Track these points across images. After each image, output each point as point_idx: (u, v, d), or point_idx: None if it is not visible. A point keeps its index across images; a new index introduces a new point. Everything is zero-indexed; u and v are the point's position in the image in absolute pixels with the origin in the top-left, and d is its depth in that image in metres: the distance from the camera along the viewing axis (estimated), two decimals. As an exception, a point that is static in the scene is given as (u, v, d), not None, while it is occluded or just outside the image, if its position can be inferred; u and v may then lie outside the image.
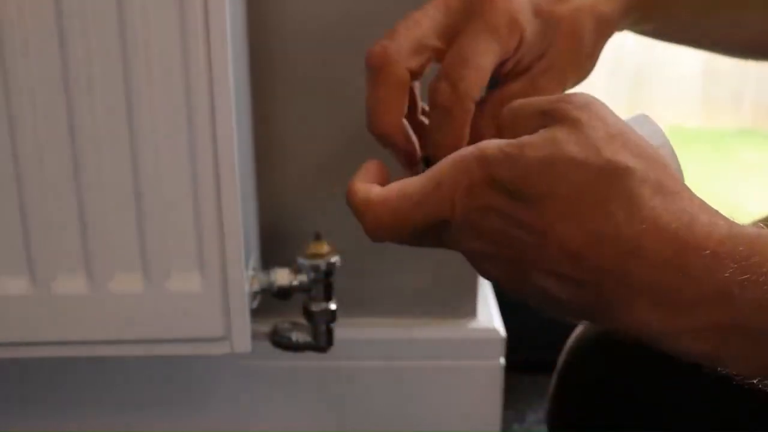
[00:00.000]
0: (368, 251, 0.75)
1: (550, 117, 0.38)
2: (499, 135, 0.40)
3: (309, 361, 0.74)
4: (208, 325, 0.61)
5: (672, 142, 0.44)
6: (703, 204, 0.37)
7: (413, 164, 0.49)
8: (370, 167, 0.44)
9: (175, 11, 0.54)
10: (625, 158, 0.36)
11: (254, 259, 0.66)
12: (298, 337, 0.68)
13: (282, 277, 0.65)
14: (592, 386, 0.63)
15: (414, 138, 0.50)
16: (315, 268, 0.64)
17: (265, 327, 0.68)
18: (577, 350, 0.64)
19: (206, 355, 0.63)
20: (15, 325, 0.61)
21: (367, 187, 0.42)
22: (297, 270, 0.65)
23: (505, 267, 0.39)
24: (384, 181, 0.43)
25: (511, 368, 0.80)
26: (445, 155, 0.41)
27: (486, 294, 0.84)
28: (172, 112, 0.56)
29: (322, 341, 0.67)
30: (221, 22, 0.54)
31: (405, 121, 0.49)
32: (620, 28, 0.54)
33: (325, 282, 0.65)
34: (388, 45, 0.47)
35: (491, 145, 0.38)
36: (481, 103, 0.49)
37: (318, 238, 0.66)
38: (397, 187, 0.41)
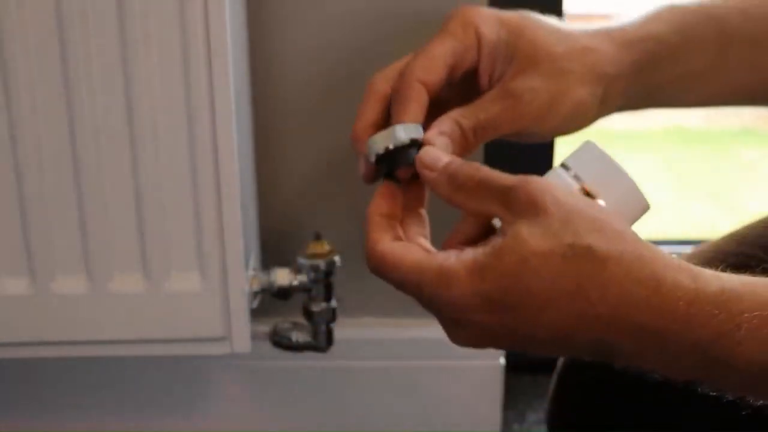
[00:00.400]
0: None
1: (509, 205, 0.43)
2: (465, 200, 0.45)
3: (309, 361, 0.74)
4: (208, 325, 0.61)
5: (621, 166, 0.47)
6: (663, 259, 0.41)
7: (372, 178, 0.51)
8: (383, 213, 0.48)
9: (175, 13, 0.54)
10: (585, 238, 0.41)
11: (254, 259, 0.66)
12: (298, 337, 0.68)
13: (282, 277, 0.65)
14: (592, 386, 0.63)
15: None
16: (315, 268, 0.64)
17: (265, 327, 0.68)
18: (577, 350, 0.64)
19: (206, 355, 0.63)
20: (15, 325, 0.61)
21: (382, 237, 0.47)
22: (297, 270, 0.65)
23: (500, 347, 0.46)
24: (396, 208, 0.48)
25: (511, 368, 0.80)
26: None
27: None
28: (172, 113, 0.56)
29: (322, 341, 0.67)
30: (221, 23, 0.54)
31: None
32: (621, 76, 0.54)
33: (325, 282, 0.65)
34: (376, 74, 0.52)
35: (468, 258, 0.42)
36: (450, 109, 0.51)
37: (318, 238, 0.66)
38: (399, 257, 0.45)
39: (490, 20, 0.51)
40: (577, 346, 0.42)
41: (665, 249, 1.06)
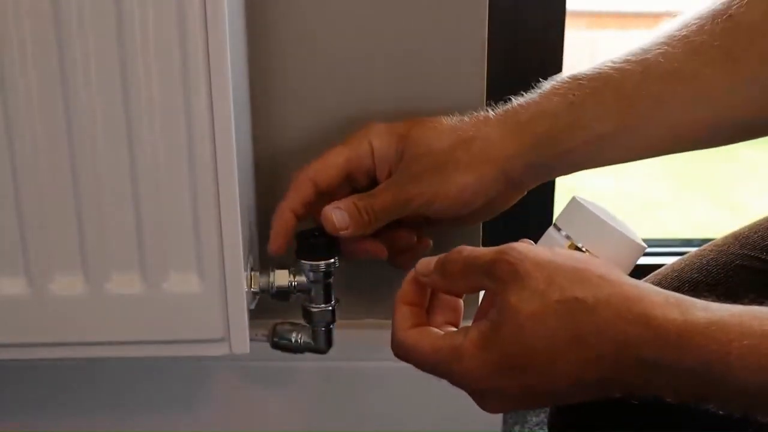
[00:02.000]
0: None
1: (495, 277, 0.47)
2: (458, 285, 0.51)
3: (308, 362, 0.74)
4: (206, 327, 0.61)
5: (607, 214, 0.52)
6: (650, 296, 0.44)
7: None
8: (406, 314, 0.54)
9: (174, 10, 0.54)
10: (570, 292, 0.45)
11: (253, 260, 0.66)
12: (297, 338, 0.67)
13: (281, 278, 0.65)
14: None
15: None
16: (314, 269, 0.64)
17: (264, 328, 0.68)
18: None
19: (205, 356, 0.62)
20: (11, 326, 0.60)
21: (403, 325, 0.54)
22: (296, 271, 0.65)
23: (528, 407, 0.55)
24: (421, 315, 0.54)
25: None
26: (276, 213, 0.62)
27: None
28: (170, 111, 0.56)
29: (321, 342, 0.67)
30: (220, 21, 0.54)
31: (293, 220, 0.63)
32: (523, 164, 0.59)
33: (324, 283, 0.65)
34: (305, 167, 0.63)
35: (473, 334, 0.47)
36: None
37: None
38: (414, 342, 0.52)
39: (381, 132, 0.61)
40: (593, 388, 0.46)
41: (665, 249, 1.06)
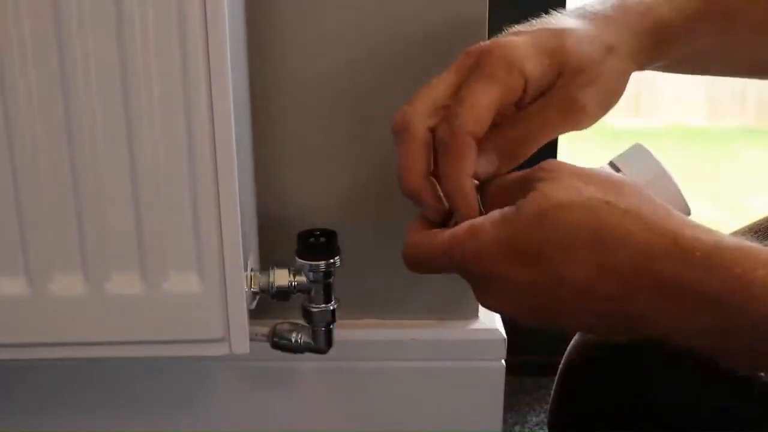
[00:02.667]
0: (368, 252, 0.75)
1: (531, 179, 0.45)
2: (491, 206, 0.47)
3: (308, 362, 0.74)
4: (206, 327, 0.61)
5: (669, 168, 0.50)
6: (681, 217, 0.42)
7: (445, 219, 0.52)
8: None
9: (174, 10, 0.54)
10: (604, 195, 0.43)
11: (253, 260, 0.66)
12: (297, 338, 0.67)
13: (281, 277, 0.65)
14: (594, 388, 0.63)
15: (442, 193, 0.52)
16: (314, 269, 0.64)
17: (264, 328, 0.68)
18: (579, 352, 0.64)
19: (205, 356, 0.62)
20: (11, 326, 0.60)
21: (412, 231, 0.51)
22: (296, 271, 0.65)
23: (526, 315, 0.46)
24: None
25: (512, 370, 0.80)
26: (450, 188, 0.50)
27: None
28: (170, 111, 0.56)
29: (321, 342, 0.67)
30: (220, 21, 0.54)
31: (432, 179, 0.52)
32: (639, 62, 0.55)
33: (324, 283, 0.64)
34: (407, 109, 0.52)
35: (495, 214, 0.45)
36: (508, 120, 0.53)
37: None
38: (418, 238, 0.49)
39: (531, 56, 0.51)
40: (596, 307, 0.43)
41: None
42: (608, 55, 0.53)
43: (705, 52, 0.58)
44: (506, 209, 0.45)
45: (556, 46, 0.52)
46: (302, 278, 0.64)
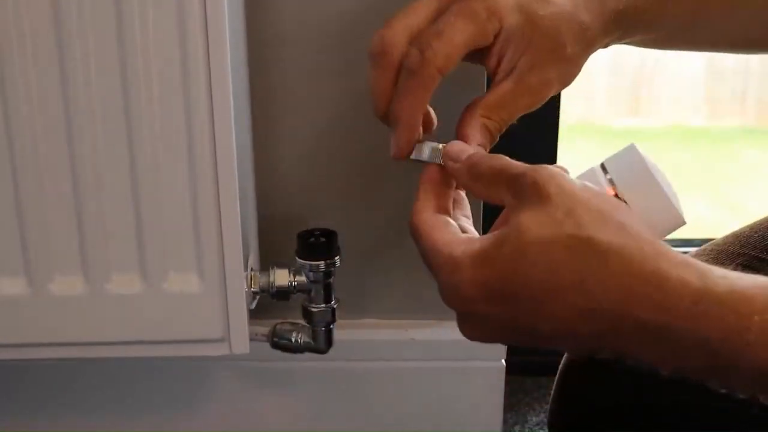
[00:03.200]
0: (368, 252, 0.75)
1: (516, 191, 0.44)
2: (481, 189, 0.47)
3: (308, 362, 0.74)
4: (206, 327, 0.61)
5: (660, 171, 0.48)
6: (668, 255, 0.40)
7: (404, 157, 0.53)
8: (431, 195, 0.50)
9: (174, 10, 0.54)
10: (586, 229, 0.41)
11: (253, 260, 0.66)
12: (297, 338, 0.67)
13: (281, 277, 0.65)
14: (594, 388, 0.62)
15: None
16: (314, 269, 0.64)
17: (264, 328, 0.68)
18: (579, 352, 0.64)
19: (205, 356, 0.62)
20: (12, 326, 0.60)
21: (426, 206, 0.49)
22: (296, 271, 0.65)
23: (506, 342, 0.50)
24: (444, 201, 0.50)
25: (512, 370, 0.80)
26: (403, 119, 0.51)
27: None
28: (170, 111, 0.56)
29: (321, 342, 0.67)
30: (220, 21, 0.54)
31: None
32: (604, 43, 0.56)
33: (324, 283, 0.64)
34: (385, 33, 0.52)
35: (475, 247, 0.43)
36: (472, 105, 0.54)
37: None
38: (428, 233, 0.47)
39: (513, 10, 0.52)
40: (580, 341, 0.42)
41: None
42: (579, 38, 0.53)
43: (675, 30, 0.58)
44: (486, 241, 0.43)
45: (533, 10, 0.52)
46: (302, 278, 0.64)
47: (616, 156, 0.49)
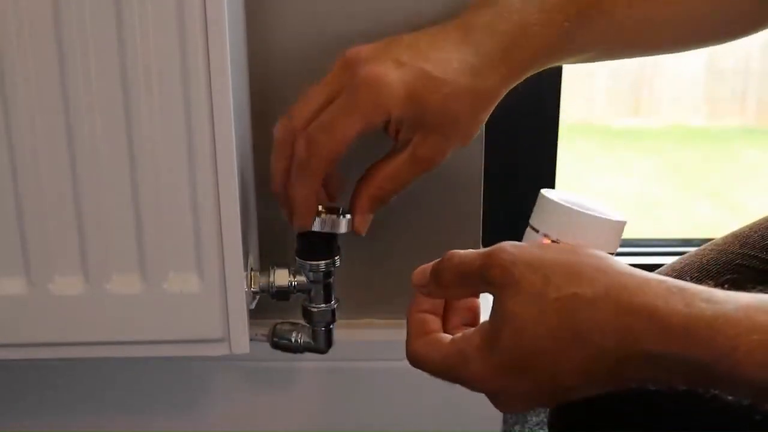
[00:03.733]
0: (368, 252, 0.75)
1: (490, 283, 0.46)
2: (456, 292, 0.51)
3: (308, 362, 0.74)
4: (206, 327, 0.61)
5: (579, 200, 0.51)
6: (650, 286, 0.43)
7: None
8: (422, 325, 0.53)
9: (173, 10, 0.54)
10: (567, 289, 0.44)
11: (253, 260, 0.66)
12: (297, 338, 0.67)
13: (281, 278, 0.65)
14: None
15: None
16: (314, 269, 0.64)
17: (264, 328, 0.68)
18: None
19: (204, 356, 0.62)
20: (11, 326, 0.60)
21: (416, 336, 0.53)
22: (296, 271, 0.65)
23: (540, 405, 0.50)
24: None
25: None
26: (295, 204, 0.58)
27: (487, 295, 0.84)
28: (170, 111, 0.56)
29: (321, 342, 0.67)
30: (220, 20, 0.54)
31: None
32: (514, 84, 0.59)
33: (324, 283, 0.64)
34: (287, 124, 0.58)
35: (475, 339, 0.47)
36: (367, 179, 0.60)
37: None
38: (424, 354, 0.51)
39: (401, 99, 0.55)
40: (602, 383, 0.45)
41: (665, 249, 1.06)
42: (475, 106, 0.57)
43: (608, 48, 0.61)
44: (483, 330, 0.47)
45: (428, 102, 0.56)
46: (302, 278, 0.64)
47: (535, 211, 0.53)
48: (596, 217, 0.50)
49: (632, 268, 0.45)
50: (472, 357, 0.47)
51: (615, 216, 0.50)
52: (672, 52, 0.68)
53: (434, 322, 0.53)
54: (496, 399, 0.49)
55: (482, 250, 0.48)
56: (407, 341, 0.52)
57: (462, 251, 0.49)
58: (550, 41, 0.57)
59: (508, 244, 0.47)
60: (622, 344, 0.42)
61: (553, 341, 0.44)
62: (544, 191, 0.52)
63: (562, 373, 0.44)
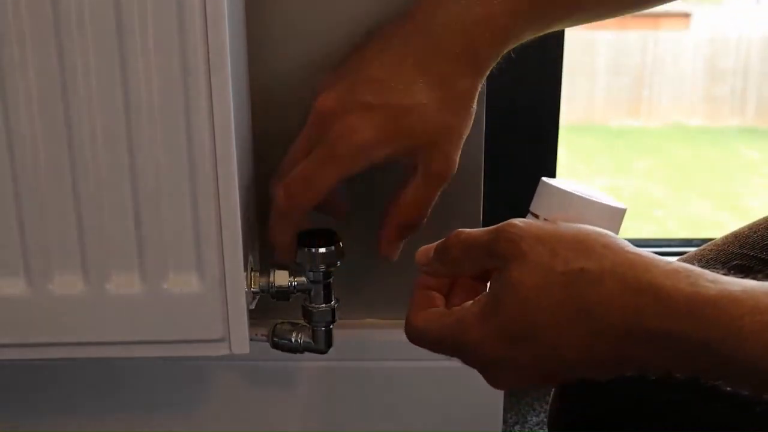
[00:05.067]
0: (368, 252, 0.75)
1: (498, 256, 0.46)
2: (462, 269, 0.50)
3: (308, 362, 0.74)
4: (206, 327, 0.61)
5: (578, 187, 0.52)
6: (657, 265, 0.43)
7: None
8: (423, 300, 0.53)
9: (174, 10, 0.54)
10: (575, 263, 0.43)
11: (253, 260, 0.66)
12: (297, 338, 0.67)
13: (281, 278, 0.65)
14: (594, 388, 0.62)
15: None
16: (314, 269, 0.64)
17: (264, 328, 0.68)
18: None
19: (205, 356, 0.62)
20: (11, 326, 0.60)
21: (416, 310, 0.52)
22: (296, 271, 0.65)
23: (535, 383, 0.49)
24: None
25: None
26: (279, 249, 0.62)
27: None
28: (170, 111, 0.56)
29: (321, 342, 0.67)
30: (220, 20, 0.54)
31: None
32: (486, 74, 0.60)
33: (324, 283, 0.64)
34: (279, 194, 0.60)
35: (476, 308, 0.47)
36: (391, 207, 0.62)
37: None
38: (423, 326, 0.51)
39: (378, 142, 0.56)
40: (601, 363, 0.44)
41: (665, 249, 1.06)
42: (449, 133, 0.58)
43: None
44: (483, 299, 0.46)
45: (403, 129, 0.56)
46: (302, 278, 0.64)
47: (536, 197, 0.53)
48: (597, 202, 0.50)
49: (639, 249, 0.44)
50: (470, 324, 0.46)
51: (616, 203, 0.51)
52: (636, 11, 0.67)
53: (438, 299, 0.53)
54: (492, 371, 0.48)
55: (489, 227, 0.48)
56: (407, 316, 0.52)
57: (468, 229, 0.49)
58: (514, 27, 0.57)
59: (516, 220, 0.47)
60: (625, 322, 0.42)
61: (556, 314, 0.43)
62: (545, 179, 0.53)
63: (563, 348, 0.44)
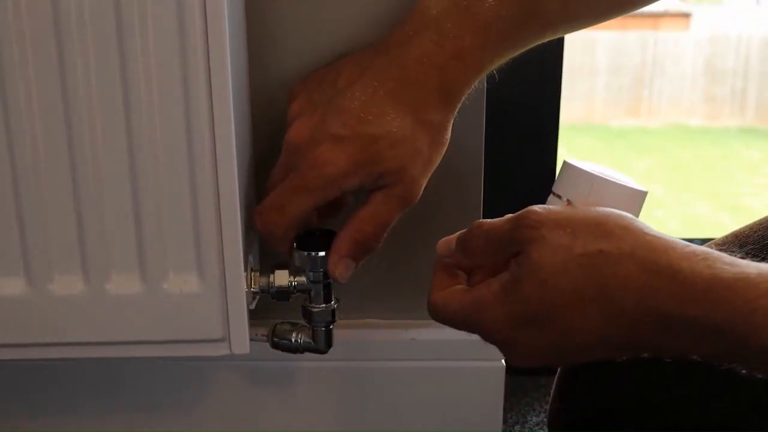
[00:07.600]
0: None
1: (518, 242, 0.46)
2: (486, 260, 0.50)
3: (308, 362, 0.74)
4: (206, 327, 0.61)
5: (604, 169, 0.52)
6: (675, 248, 0.43)
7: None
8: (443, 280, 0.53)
9: (173, 10, 0.54)
10: (594, 245, 0.44)
11: (253, 260, 0.66)
12: (297, 338, 0.67)
13: (281, 278, 0.65)
14: (594, 388, 0.63)
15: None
16: (314, 269, 0.64)
17: (264, 328, 0.68)
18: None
19: (205, 356, 0.62)
20: (11, 326, 0.60)
21: (436, 288, 0.53)
22: (296, 271, 0.64)
23: (551, 362, 0.50)
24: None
25: (512, 370, 0.80)
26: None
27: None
28: (170, 111, 0.56)
29: (321, 342, 0.67)
30: (220, 20, 0.54)
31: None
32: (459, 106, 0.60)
33: (324, 283, 0.64)
34: (256, 221, 0.61)
35: (495, 287, 0.47)
36: (348, 220, 0.60)
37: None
38: (443, 304, 0.52)
39: (349, 173, 0.57)
40: (614, 345, 0.45)
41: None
42: (421, 157, 0.58)
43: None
44: (503, 278, 0.47)
45: (373, 157, 0.57)
46: (302, 278, 0.64)
47: (559, 178, 0.53)
48: (619, 184, 0.50)
49: (658, 231, 0.45)
50: (490, 303, 0.47)
51: (638, 186, 0.51)
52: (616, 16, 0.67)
53: (457, 276, 0.53)
54: (510, 349, 0.49)
55: (509, 216, 0.48)
56: (429, 294, 0.52)
57: (489, 220, 0.50)
58: (486, 58, 0.57)
59: (536, 207, 0.47)
60: (641, 304, 0.42)
61: (574, 295, 0.44)
62: (568, 159, 0.53)
63: (581, 329, 0.44)
